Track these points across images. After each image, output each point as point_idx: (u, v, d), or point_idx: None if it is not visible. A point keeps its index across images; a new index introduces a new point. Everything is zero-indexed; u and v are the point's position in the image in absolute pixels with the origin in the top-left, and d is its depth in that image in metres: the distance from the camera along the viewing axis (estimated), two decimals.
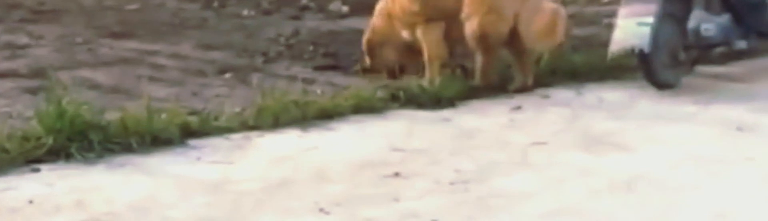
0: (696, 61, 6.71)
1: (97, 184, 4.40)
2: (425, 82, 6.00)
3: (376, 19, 6.28)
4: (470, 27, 6.01)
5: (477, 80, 6.18)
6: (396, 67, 6.35)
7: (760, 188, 4.40)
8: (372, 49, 6.30)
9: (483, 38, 6.01)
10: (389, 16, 6.20)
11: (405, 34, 6.17)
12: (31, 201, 4.18)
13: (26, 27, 7.97)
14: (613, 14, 6.74)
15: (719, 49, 6.76)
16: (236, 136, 5.13)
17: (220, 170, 4.62)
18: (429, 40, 6.10)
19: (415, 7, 6.04)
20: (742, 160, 4.78)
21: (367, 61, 6.35)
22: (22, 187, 4.36)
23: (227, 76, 6.47)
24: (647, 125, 5.44)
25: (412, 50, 6.22)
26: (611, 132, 5.27)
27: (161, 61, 6.86)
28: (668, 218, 4.02)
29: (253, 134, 5.17)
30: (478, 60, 6.14)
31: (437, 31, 6.11)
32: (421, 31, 6.10)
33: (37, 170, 4.56)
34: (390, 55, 6.30)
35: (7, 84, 6.15)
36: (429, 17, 6.07)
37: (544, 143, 5.07)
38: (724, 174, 4.58)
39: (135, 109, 5.13)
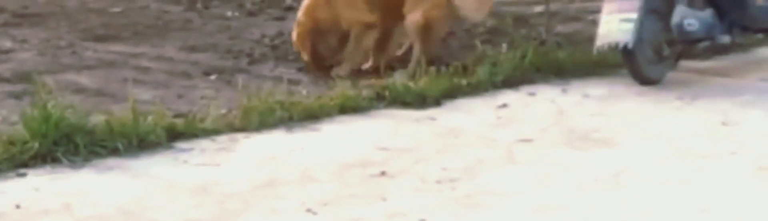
0: (680, 56, 6.73)
1: (84, 188, 4.40)
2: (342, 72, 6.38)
3: (316, 12, 6.44)
4: (413, 18, 6.34)
5: (411, 70, 6.41)
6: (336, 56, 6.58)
7: (744, 182, 4.42)
8: (310, 43, 6.47)
9: (426, 29, 6.39)
10: (329, 5, 6.39)
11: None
12: (18, 206, 4.18)
13: (9, 31, 7.91)
14: (597, 11, 6.73)
15: (703, 44, 6.78)
16: (222, 138, 5.13)
17: (207, 172, 4.62)
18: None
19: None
20: (727, 155, 4.80)
21: (304, 56, 6.52)
22: (9, 192, 4.35)
23: (212, 77, 6.46)
24: (632, 121, 5.46)
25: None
26: (597, 129, 5.29)
27: (146, 63, 6.85)
28: (654, 213, 4.04)
29: (240, 136, 5.17)
30: (416, 51, 6.45)
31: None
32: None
33: (24, 174, 4.56)
34: (333, 46, 6.52)
35: None
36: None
37: (530, 140, 5.09)
38: (709, 168, 4.60)
39: (120, 112, 5.13)
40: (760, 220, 3.98)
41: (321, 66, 6.55)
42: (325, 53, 6.56)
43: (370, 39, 6.50)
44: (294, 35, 6.56)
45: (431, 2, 6.43)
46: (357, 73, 6.46)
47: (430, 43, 6.49)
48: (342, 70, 6.46)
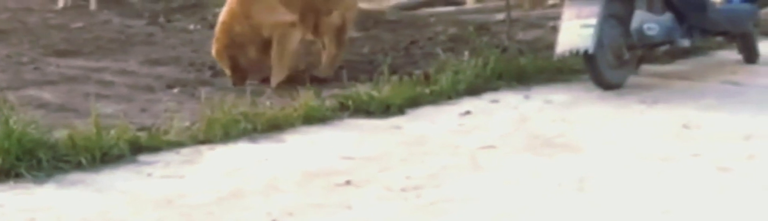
0: (641, 61, 6.78)
1: (48, 203, 4.37)
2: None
3: (232, 27, 6.53)
4: (331, 20, 6.75)
5: (323, 72, 6.78)
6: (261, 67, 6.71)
7: (705, 184, 4.44)
8: (229, 57, 6.58)
9: (342, 30, 6.84)
10: (246, 17, 6.50)
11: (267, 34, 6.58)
12: None
13: None
14: (557, 17, 6.78)
15: (663, 48, 6.83)
16: (186, 150, 5.12)
17: (172, 184, 4.60)
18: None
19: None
20: (689, 157, 4.83)
21: (226, 70, 6.64)
22: None
23: (175, 90, 6.47)
24: (595, 125, 5.49)
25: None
26: (560, 134, 5.31)
27: (108, 77, 6.84)
28: (617, 216, 4.04)
29: (204, 148, 5.17)
30: (331, 52, 6.83)
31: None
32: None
33: None
34: (255, 57, 6.65)
35: None
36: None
37: (493, 147, 5.10)
38: (671, 171, 4.62)
39: (83, 126, 5.11)
40: (721, 220, 4.00)
41: (244, 78, 6.66)
42: (247, 66, 6.64)
43: (295, 41, 6.60)
44: (213, 51, 6.62)
45: (345, 3, 6.84)
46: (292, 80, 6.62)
47: (344, 43, 6.91)
48: (275, 79, 6.55)
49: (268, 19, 6.49)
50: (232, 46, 6.51)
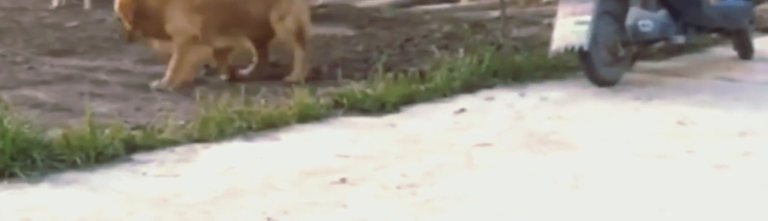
0: (636, 57, 6.78)
1: (43, 202, 4.36)
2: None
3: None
4: (286, 25, 6.67)
5: (295, 76, 6.63)
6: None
7: (700, 180, 4.44)
8: (134, 12, 6.54)
9: (301, 33, 6.72)
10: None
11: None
12: None
13: None
14: (552, 15, 6.77)
15: (658, 45, 6.84)
16: (181, 149, 5.11)
17: (167, 183, 4.59)
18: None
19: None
20: (684, 154, 4.83)
21: (125, 25, 6.64)
22: None
23: (170, 89, 6.45)
24: (590, 123, 5.49)
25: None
26: (554, 132, 5.31)
27: (103, 76, 6.83)
28: (613, 214, 4.05)
29: (199, 146, 5.16)
30: (298, 56, 6.73)
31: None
32: None
33: None
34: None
35: None
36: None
37: (488, 144, 5.10)
38: (666, 168, 4.62)
39: (78, 125, 5.10)
40: (716, 217, 4.00)
41: (139, 36, 6.68)
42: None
43: (194, 55, 6.61)
44: (116, 5, 6.58)
45: (297, 8, 6.74)
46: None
47: (307, 45, 6.79)
48: (167, 85, 6.55)
49: (173, 23, 6.50)
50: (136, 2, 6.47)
